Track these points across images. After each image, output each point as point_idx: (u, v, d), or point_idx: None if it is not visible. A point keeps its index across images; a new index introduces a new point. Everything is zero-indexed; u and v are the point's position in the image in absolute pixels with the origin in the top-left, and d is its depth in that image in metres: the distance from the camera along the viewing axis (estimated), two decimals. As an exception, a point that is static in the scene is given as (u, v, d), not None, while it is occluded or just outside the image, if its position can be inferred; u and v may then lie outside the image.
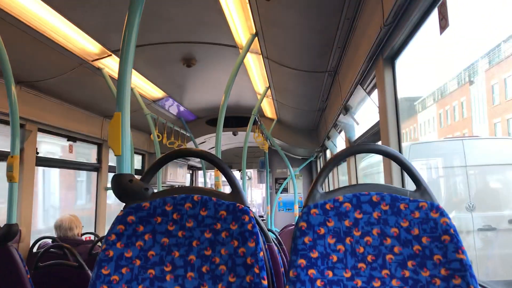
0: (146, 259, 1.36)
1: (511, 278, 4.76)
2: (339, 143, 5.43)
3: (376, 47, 2.27)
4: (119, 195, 1.43)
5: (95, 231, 5.08)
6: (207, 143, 7.45)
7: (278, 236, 3.78)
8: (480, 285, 1.29)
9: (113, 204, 5.94)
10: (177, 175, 7.66)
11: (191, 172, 10.07)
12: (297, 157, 8.33)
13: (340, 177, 6.51)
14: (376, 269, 1.28)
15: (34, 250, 3.75)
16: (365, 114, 3.42)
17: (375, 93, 2.69)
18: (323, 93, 4.40)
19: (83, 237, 4.24)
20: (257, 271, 1.30)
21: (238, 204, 1.39)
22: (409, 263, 1.27)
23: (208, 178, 8.92)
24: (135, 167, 5.25)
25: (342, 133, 4.80)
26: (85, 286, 1.35)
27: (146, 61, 3.92)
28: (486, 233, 4.99)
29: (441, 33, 1.49)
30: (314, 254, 1.29)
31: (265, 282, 1.28)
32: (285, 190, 8.94)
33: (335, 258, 1.30)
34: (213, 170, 6.42)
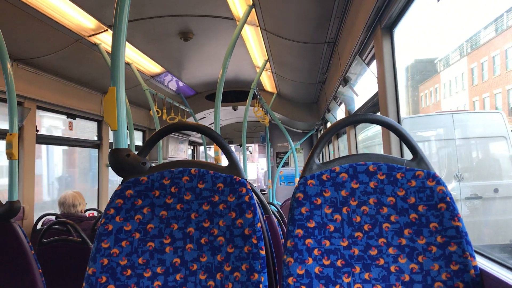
0: (145, 232, 1.38)
1: (494, 243, 4.93)
2: (340, 116, 5.42)
3: (374, 16, 2.24)
4: (117, 169, 1.43)
5: (98, 207, 5.12)
6: (207, 118, 7.44)
7: (280, 209, 3.82)
8: (475, 251, 1.30)
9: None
10: (178, 151, 7.68)
11: (192, 147, 10.08)
12: (298, 131, 8.32)
13: (342, 150, 6.52)
14: (373, 238, 1.29)
15: (38, 227, 3.79)
16: (364, 85, 3.40)
17: (374, 63, 2.67)
18: (322, 65, 4.36)
19: (86, 213, 4.28)
20: (255, 241, 1.31)
21: (235, 177, 1.39)
22: (406, 231, 1.28)
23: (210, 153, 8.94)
24: (136, 144, 5.25)
25: (342, 105, 4.78)
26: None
27: (143, 36, 3.87)
28: (473, 202, 5.16)
29: (438, 0, 1.46)
30: (311, 224, 1.31)
31: (263, 252, 1.30)
32: (286, 164, 8.98)
33: (332, 228, 1.31)
34: (213, 145, 6.45)
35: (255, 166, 14.42)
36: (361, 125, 5.05)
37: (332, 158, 7.04)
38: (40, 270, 2.27)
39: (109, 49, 3.79)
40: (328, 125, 6.65)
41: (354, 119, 1.43)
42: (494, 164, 5.46)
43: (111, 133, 5.36)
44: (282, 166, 8.70)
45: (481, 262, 1.32)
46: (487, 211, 5.19)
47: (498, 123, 5.29)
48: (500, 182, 5.17)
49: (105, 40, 3.68)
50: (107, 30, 3.48)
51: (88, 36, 3.54)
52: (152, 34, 3.87)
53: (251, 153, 11.75)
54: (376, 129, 6.16)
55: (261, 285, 1.27)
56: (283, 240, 2.40)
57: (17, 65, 3.64)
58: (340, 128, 1.39)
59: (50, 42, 3.51)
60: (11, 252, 2.25)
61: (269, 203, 3.44)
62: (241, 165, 1.46)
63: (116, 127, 1.46)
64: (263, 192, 9.50)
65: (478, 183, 5.37)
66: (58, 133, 4.93)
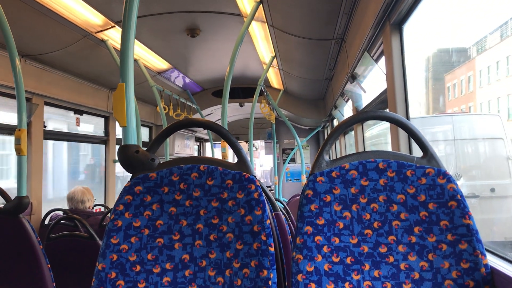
0: (154, 228, 1.38)
1: (490, 239, 5.13)
2: (347, 112, 5.40)
3: (383, 13, 2.22)
4: (126, 166, 1.43)
5: (104, 203, 5.14)
6: (213, 114, 7.44)
7: (286, 206, 3.81)
8: (486, 249, 1.29)
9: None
10: (184, 147, 7.69)
11: (198, 144, 10.10)
12: (304, 128, 8.31)
13: (348, 148, 6.51)
14: (383, 235, 1.29)
15: (46, 222, 3.81)
16: (372, 82, 3.38)
17: (383, 60, 2.65)
18: (330, 61, 4.35)
19: (94, 209, 4.30)
20: (264, 238, 1.31)
21: (244, 173, 1.39)
22: (416, 229, 1.28)
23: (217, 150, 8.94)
24: (143, 140, 5.27)
25: (350, 102, 4.76)
26: (96, 256, 1.37)
27: (150, 32, 3.88)
28: (470, 200, 5.40)
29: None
30: (321, 221, 1.30)
31: (272, 249, 1.30)
32: (293, 160, 8.96)
33: (341, 225, 1.30)
34: (220, 142, 6.49)
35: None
36: (367, 122, 5.05)
37: (338, 155, 7.02)
38: (49, 265, 2.29)
39: (117, 45, 3.80)
40: (335, 121, 6.63)
41: (364, 116, 1.42)
42: (492, 165, 5.68)
43: (118, 129, 5.38)
44: (288, 163, 8.69)
45: (492, 260, 1.32)
46: (484, 209, 5.33)
47: (496, 125, 5.55)
48: (497, 182, 5.36)
49: (112, 36, 3.68)
50: (114, 26, 3.48)
51: (96, 33, 3.55)
52: (159, 30, 3.87)
53: (257, 149, 11.75)
54: (382, 127, 6.23)
55: (270, 282, 1.26)
56: (290, 237, 2.40)
57: (25, 61, 3.66)
58: (349, 125, 1.38)
59: (58, 38, 3.52)
60: (20, 247, 2.26)
61: (276, 199, 3.44)
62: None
63: (125, 124, 1.46)
64: (269, 189, 9.49)
65: (476, 182, 5.61)
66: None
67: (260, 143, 11.48)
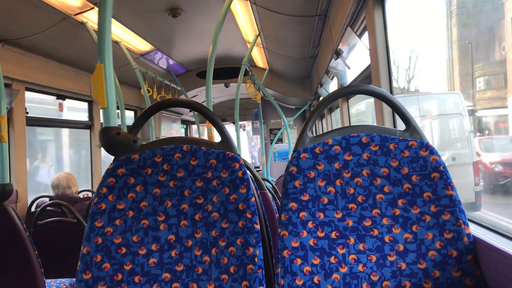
0: (139, 210, 1.37)
1: None
2: (332, 90, 5.39)
3: (365, -13, 2.20)
4: (108, 148, 1.42)
5: (92, 188, 5.11)
6: (199, 96, 7.38)
7: (275, 186, 3.82)
8: (468, 219, 1.31)
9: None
10: (170, 130, 7.64)
11: (185, 126, 10.04)
12: (291, 107, 8.29)
13: (334, 125, 6.54)
14: (367, 209, 1.29)
15: (32, 209, 3.78)
16: (356, 58, 3.36)
17: (366, 35, 2.63)
18: (314, 38, 4.31)
19: (80, 195, 4.27)
20: (249, 216, 1.31)
21: (228, 152, 1.38)
22: (399, 202, 1.29)
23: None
24: (128, 123, 5.21)
25: (335, 79, 4.75)
26: None
27: (131, 13, 3.80)
28: None
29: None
30: (305, 197, 1.30)
31: (257, 227, 1.30)
32: (280, 140, 8.97)
33: (325, 200, 1.31)
34: (206, 123, 6.42)
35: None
36: (356, 98, 5.07)
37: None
38: (36, 252, 2.27)
39: (96, 27, 3.72)
40: (321, 99, 6.61)
41: (347, 91, 1.42)
42: (453, 137, 6.24)
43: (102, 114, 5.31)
44: (275, 143, 8.69)
45: (474, 230, 1.33)
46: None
47: (456, 102, 6.07)
48: (458, 152, 5.94)
49: (92, 18, 3.60)
50: (93, 8, 3.40)
51: (75, 15, 3.47)
52: (140, 11, 3.80)
53: (244, 130, 11.72)
54: (360, 107, 6.39)
55: (256, 259, 1.27)
56: (277, 215, 2.41)
57: (3, 46, 3.57)
58: (333, 100, 1.37)
59: (36, 21, 3.43)
60: (5, 235, 2.24)
61: (264, 179, 3.44)
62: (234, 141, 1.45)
63: (105, 105, 1.43)
64: (257, 169, 9.51)
65: (440, 152, 6.01)
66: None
67: (247, 124, 11.45)
